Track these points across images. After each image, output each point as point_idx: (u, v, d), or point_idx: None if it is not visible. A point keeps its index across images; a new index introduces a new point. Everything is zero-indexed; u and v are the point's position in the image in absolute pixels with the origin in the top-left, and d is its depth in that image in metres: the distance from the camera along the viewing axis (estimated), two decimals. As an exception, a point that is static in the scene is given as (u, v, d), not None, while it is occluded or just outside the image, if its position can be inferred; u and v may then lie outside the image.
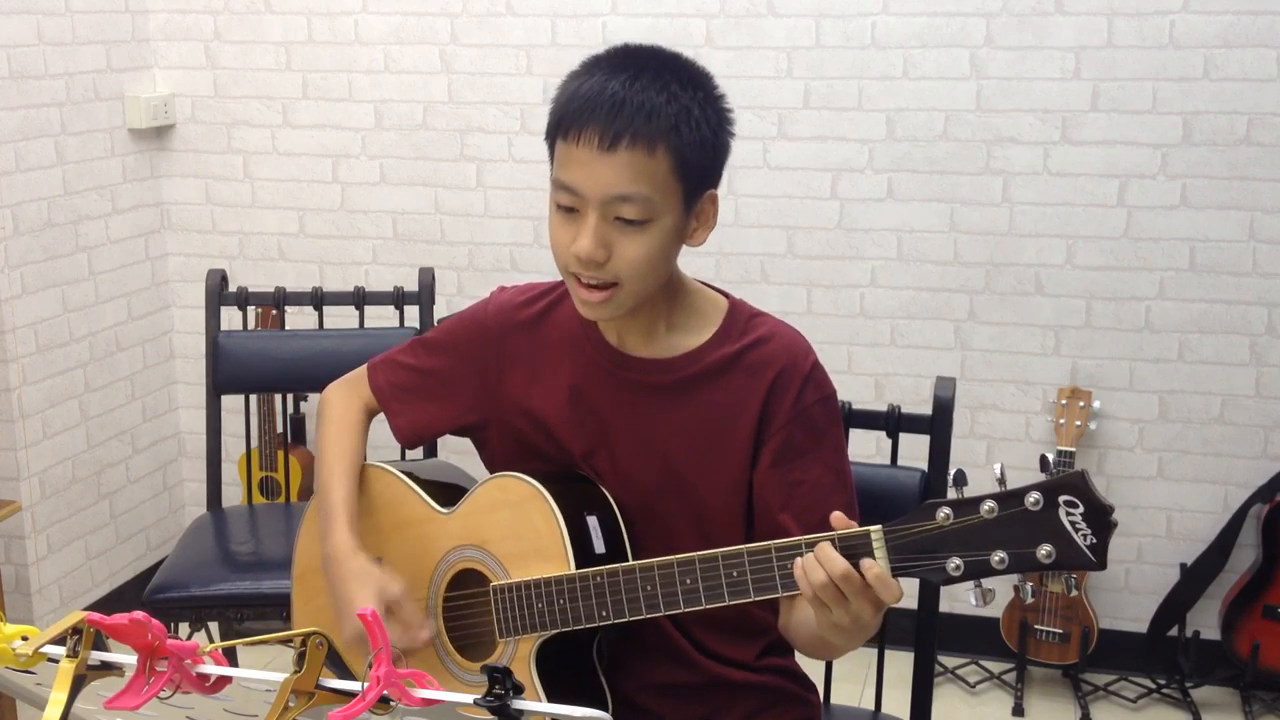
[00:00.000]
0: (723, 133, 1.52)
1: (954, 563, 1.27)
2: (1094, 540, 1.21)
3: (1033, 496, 1.23)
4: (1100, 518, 1.21)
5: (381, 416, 1.78)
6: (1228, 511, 3.20)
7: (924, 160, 3.25)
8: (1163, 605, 3.24)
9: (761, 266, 3.39)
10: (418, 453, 2.46)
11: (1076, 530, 1.21)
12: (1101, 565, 1.22)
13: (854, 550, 1.31)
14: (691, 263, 1.61)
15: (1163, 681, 3.26)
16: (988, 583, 1.28)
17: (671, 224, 1.48)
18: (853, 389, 3.31)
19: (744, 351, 1.57)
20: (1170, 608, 3.22)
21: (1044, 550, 1.22)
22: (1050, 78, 3.13)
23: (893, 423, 1.93)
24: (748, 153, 3.31)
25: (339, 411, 1.76)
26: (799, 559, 1.34)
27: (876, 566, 1.29)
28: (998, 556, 1.25)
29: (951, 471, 1.34)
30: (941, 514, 1.27)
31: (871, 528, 1.31)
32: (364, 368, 1.79)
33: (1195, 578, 3.20)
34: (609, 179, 1.43)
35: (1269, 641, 3.09)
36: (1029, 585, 1.30)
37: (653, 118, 1.43)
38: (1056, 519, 1.22)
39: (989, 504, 1.25)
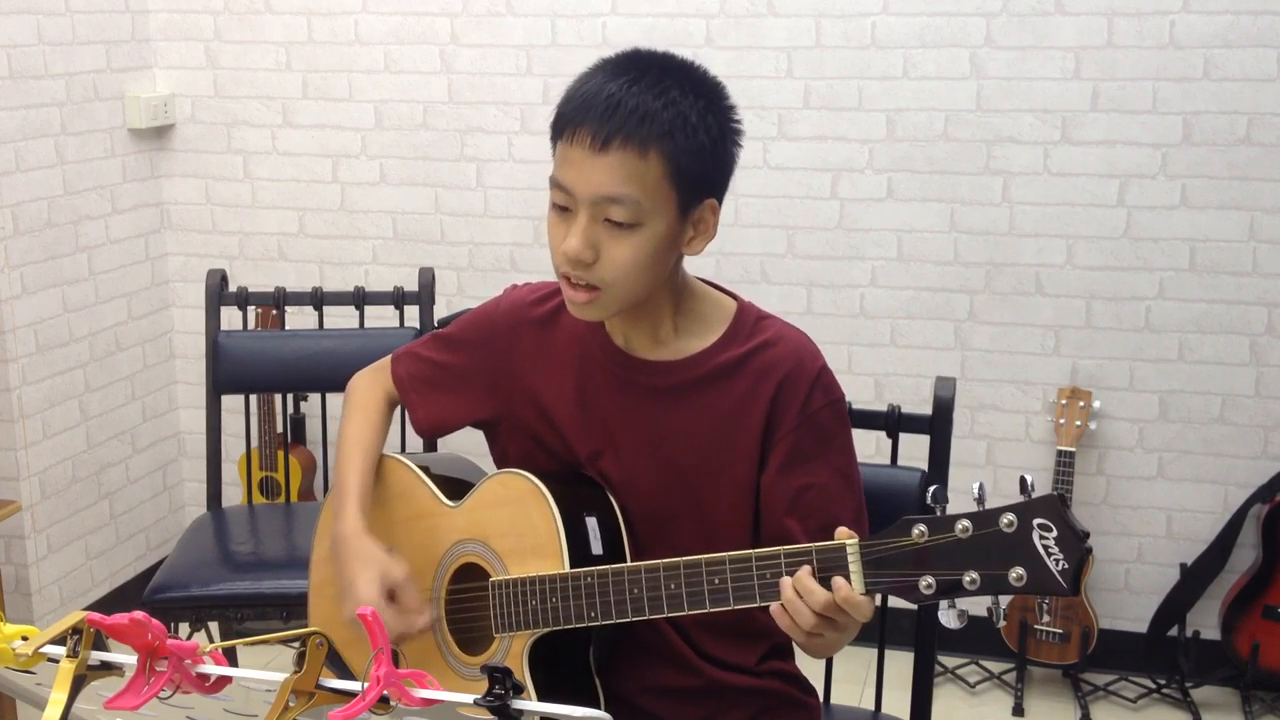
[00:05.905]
0: (725, 143, 1.50)
1: (926, 581, 1.26)
2: (1065, 565, 1.19)
3: (1007, 518, 1.22)
4: (1073, 542, 1.19)
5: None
6: (1228, 511, 3.20)
7: (924, 160, 3.25)
8: (1163, 605, 3.24)
9: (761, 266, 3.39)
10: (434, 445, 2.48)
11: (1049, 554, 1.20)
12: (1073, 591, 1.20)
13: (830, 564, 1.31)
14: (692, 263, 1.60)
15: (1163, 681, 3.26)
16: (962, 603, 1.27)
17: (663, 230, 1.47)
18: (853, 389, 3.28)
19: (750, 355, 1.56)
20: (1170, 608, 3.22)
21: (1015, 573, 1.21)
22: (1050, 78, 3.13)
23: (893, 423, 1.94)
24: (748, 153, 3.26)
25: (362, 400, 1.78)
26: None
27: (845, 588, 1.29)
28: (969, 577, 1.24)
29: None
30: (917, 531, 1.26)
31: (848, 540, 1.31)
32: (389, 357, 1.80)
33: (1195, 578, 3.20)
34: (599, 180, 1.43)
35: (1269, 641, 3.09)
36: (1002, 608, 1.28)
37: (646, 121, 1.42)
38: (1029, 542, 1.20)
39: (964, 523, 1.24)
